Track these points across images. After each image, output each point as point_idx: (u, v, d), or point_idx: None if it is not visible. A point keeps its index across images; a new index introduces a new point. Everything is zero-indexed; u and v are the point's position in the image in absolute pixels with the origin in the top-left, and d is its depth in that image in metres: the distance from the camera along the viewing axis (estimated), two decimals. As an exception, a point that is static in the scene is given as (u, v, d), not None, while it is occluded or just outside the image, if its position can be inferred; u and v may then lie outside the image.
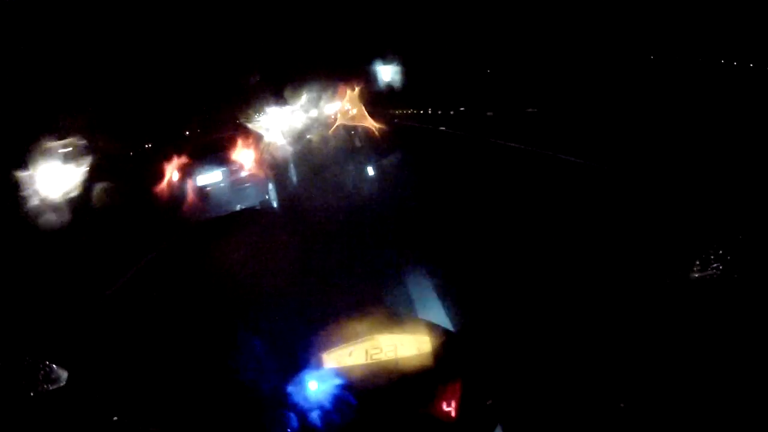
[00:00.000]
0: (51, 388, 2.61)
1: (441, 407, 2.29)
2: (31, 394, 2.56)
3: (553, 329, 2.89)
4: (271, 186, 13.66)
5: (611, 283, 3.67)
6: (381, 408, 2.33)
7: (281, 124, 25.42)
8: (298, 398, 2.33)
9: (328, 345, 2.40)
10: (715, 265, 3.46)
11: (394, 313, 2.52)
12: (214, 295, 3.09)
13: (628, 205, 7.32)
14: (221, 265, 3.43)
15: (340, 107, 27.25)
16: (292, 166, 16.17)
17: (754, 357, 2.43)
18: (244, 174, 13.17)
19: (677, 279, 3.30)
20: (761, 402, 2.21)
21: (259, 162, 13.72)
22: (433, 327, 2.48)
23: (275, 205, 13.17)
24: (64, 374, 2.68)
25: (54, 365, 2.70)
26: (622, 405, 2.50)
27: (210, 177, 13.07)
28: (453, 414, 2.28)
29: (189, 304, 3.13)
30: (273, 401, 2.34)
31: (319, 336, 2.42)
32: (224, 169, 13.08)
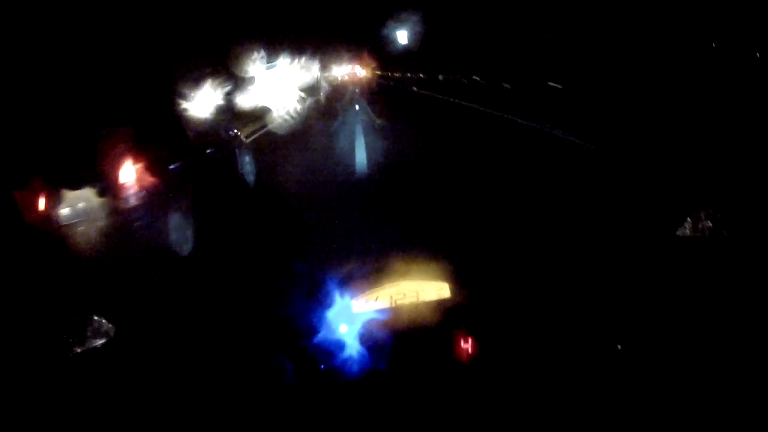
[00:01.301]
0: (98, 343, 2.82)
1: (459, 346, 2.54)
2: (79, 349, 2.78)
3: (553, 277, 3.13)
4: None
5: (608, 240, 3.92)
6: (405, 348, 2.57)
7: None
8: (329, 340, 2.57)
9: (356, 291, 2.63)
10: (705, 222, 3.72)
11: (416, 260, 2.74)
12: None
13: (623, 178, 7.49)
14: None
15: (351, 69, 32.42)
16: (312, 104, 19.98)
17: (741, 305, 2.68)
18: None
19: (669, 235, 3.56)
20: (746, 345, 2.47)
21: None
22: (451, 274, 2.72)
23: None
24: (111, 329, 2.87)
25: (102, 320, 2.89)
26: (619, 347, 2.75)
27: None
28: (470, 351, 2.53)
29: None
30: (306, 343, 2.57)
31: (347, 283, 2.65)
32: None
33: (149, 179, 7.11)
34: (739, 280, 2.88)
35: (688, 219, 3.63)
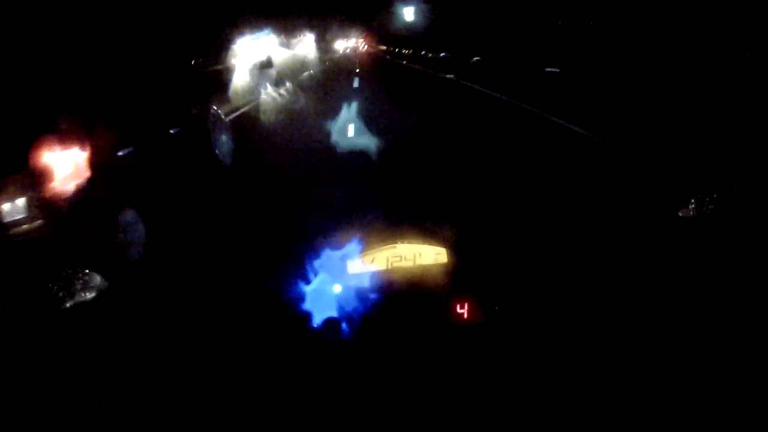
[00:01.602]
0: (89, 296, 2.73)
1: (455, 311, 2.49)
2: (69, 303, 2.70)
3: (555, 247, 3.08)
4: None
5: (612, 219, 3.88)
6: (399, 311, 2.51)
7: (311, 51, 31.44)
8: (322, 300, 2.51)
9: (351, 252, 2.57)
10: (708, 204, 3.68)
11: (415, 224, 2.68)
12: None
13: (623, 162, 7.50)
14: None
15: (354, 42, 37.17)
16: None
17: (742, 285, 2.64)
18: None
19: (672, 216, 3.51)
20: (747, 324, 2.43)
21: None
22: (449, 239, 2.66)
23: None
24: (103, 282, 2.78)
25: (93, 273, 2.80)
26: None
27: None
28: (465, 316, 2.48)
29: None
30: (298, 302, 2.52)
31: (343, 242, 2.58)
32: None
33: (90, 169, 5.79)
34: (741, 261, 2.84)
35: (692, 200, 3.59)
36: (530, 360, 2.33)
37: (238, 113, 13.94)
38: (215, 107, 10.21)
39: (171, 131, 8.03)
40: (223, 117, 10.50)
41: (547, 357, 2.33)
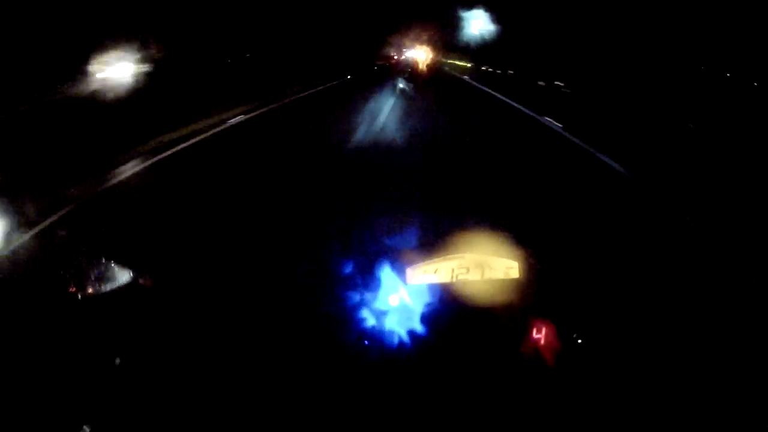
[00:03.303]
0: (111, 288, 2.58)
1: (530, 335, 2.14)
2: (91, 292, 2.55)
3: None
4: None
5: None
6: (464, 331, 2.19)
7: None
8: (377, 313, 2.22)
9: (412, 260, 2.26)
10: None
11: (485, 233, 2.36)
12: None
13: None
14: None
15: (415, 52, 38.97)
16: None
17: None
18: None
19: None
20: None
21: None
22: (523, 253, 2.32)
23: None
24: (125, 274, 2.63)
25: (115, 265, 2.65)
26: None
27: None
28: (542, 342, 2.13)
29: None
30: (351, 315, 2.23)
31: (404, 249, 2.28)
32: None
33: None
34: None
35: None
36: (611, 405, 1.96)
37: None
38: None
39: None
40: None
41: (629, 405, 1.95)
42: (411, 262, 2.27)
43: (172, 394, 2.01)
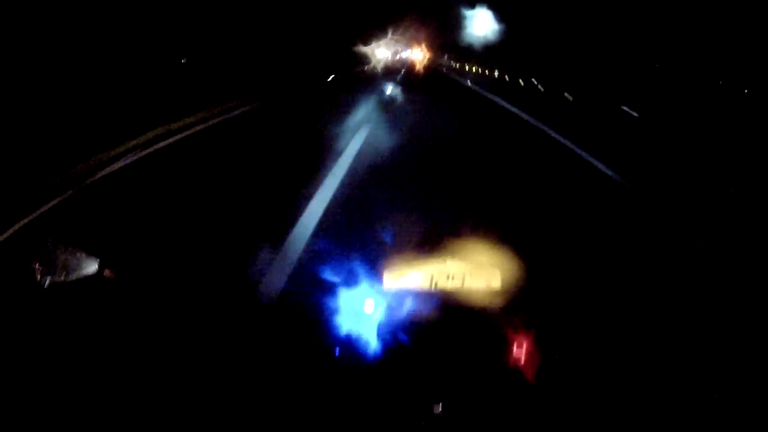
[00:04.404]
0: (82, 275, 2.46)
1: (510, 353, 2.03)
2: (63, 279, 2.41)
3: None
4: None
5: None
6: (439, 344, 2.06)
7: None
8: (349, 318, 2.07)
9: (390, 264, 2.11)
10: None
11: (467, 238, 2.23)
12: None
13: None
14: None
15: (412, 52, 38.98)
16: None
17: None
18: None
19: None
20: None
21: None
22: (506, 261, 2.21)
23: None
24: (95, 262, 2.52)
25: (85, 253, 2.53)
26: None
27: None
28: (521, 362, 2.03)
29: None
30: (321, 318, 2.07)
31: (381, 253, 2.13)
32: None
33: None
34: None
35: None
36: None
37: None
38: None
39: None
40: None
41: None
42: (389, 265, 2.12)
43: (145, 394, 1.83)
